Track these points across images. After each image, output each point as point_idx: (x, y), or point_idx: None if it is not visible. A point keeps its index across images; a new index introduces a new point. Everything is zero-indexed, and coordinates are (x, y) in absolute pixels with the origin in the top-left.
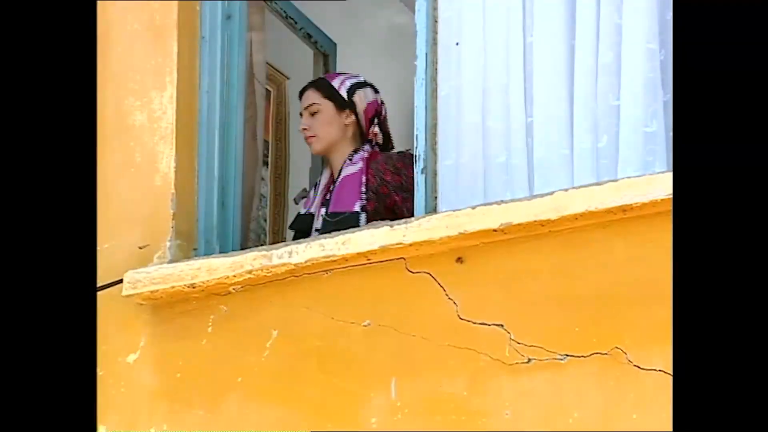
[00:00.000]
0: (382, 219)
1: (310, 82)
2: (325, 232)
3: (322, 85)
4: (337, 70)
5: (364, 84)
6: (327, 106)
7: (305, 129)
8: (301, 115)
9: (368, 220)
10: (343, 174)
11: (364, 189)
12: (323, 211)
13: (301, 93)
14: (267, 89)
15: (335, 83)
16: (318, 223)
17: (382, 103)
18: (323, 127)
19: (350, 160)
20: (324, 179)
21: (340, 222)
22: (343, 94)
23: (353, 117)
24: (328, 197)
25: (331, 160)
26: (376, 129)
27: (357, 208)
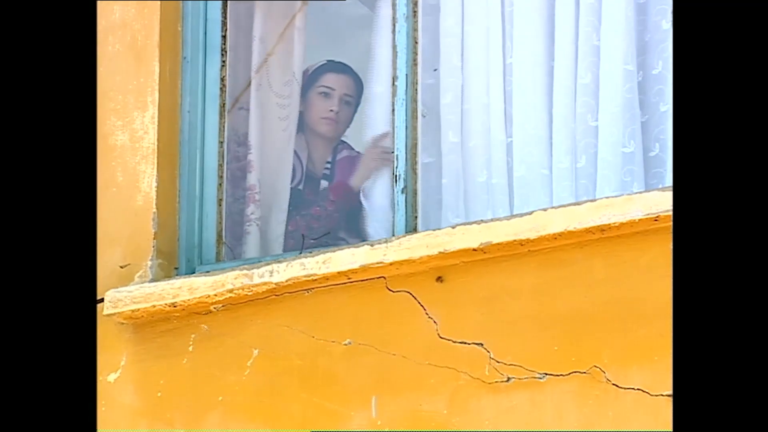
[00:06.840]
0: None
1: (348, 68)
2: None
3: (359, 82)
4: None
5: None
6: (354, 104)
7: (337, 113)
8: (323, 89)
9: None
10: (341, 155)
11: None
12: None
13: (335, 70)
14: None
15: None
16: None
17: None
18: (345, 121)
19: (343, 144)
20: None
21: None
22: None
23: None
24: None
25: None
26: None
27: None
